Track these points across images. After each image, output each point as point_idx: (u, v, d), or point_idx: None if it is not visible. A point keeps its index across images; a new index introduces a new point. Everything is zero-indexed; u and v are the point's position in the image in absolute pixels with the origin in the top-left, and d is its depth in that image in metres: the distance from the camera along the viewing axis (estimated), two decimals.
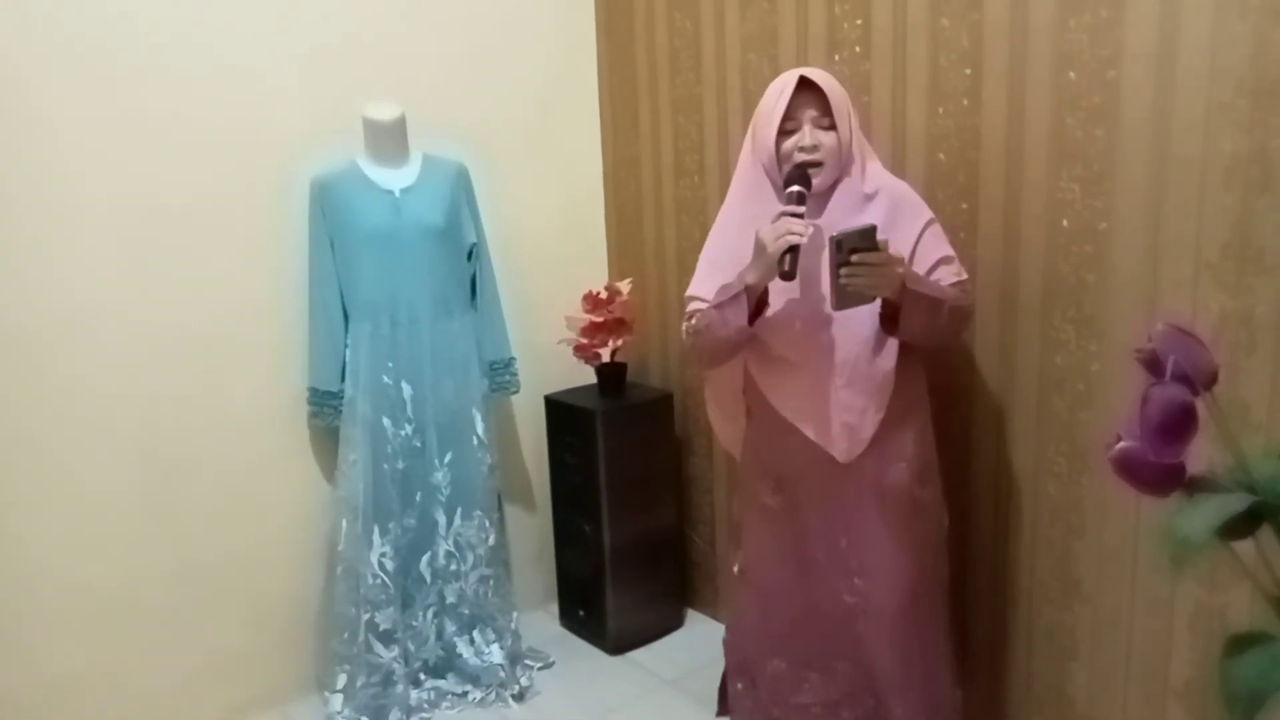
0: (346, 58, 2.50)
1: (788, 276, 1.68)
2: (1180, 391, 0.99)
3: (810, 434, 1.86)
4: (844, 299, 1.69)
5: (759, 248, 1.70)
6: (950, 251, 1.86)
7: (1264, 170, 1.60)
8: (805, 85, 1.79)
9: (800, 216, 1.68)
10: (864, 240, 1.63)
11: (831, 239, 1.63)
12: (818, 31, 2.31)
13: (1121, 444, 1.01)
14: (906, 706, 1.90)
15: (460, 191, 2.57)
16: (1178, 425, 0.98)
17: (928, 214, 1.87)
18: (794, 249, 1.66)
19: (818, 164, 1.79)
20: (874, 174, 1.87)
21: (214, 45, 2.29)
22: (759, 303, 1.79)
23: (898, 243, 1.79)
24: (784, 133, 1.81)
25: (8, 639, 2.17)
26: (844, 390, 1.81)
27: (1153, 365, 1.04)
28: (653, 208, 2.93)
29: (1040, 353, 1.98)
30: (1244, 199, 1.63)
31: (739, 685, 2.14)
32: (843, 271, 1.63)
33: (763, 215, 1.74)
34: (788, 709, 2.03)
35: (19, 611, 2.17)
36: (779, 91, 1.81)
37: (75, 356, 2.18)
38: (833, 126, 1.79)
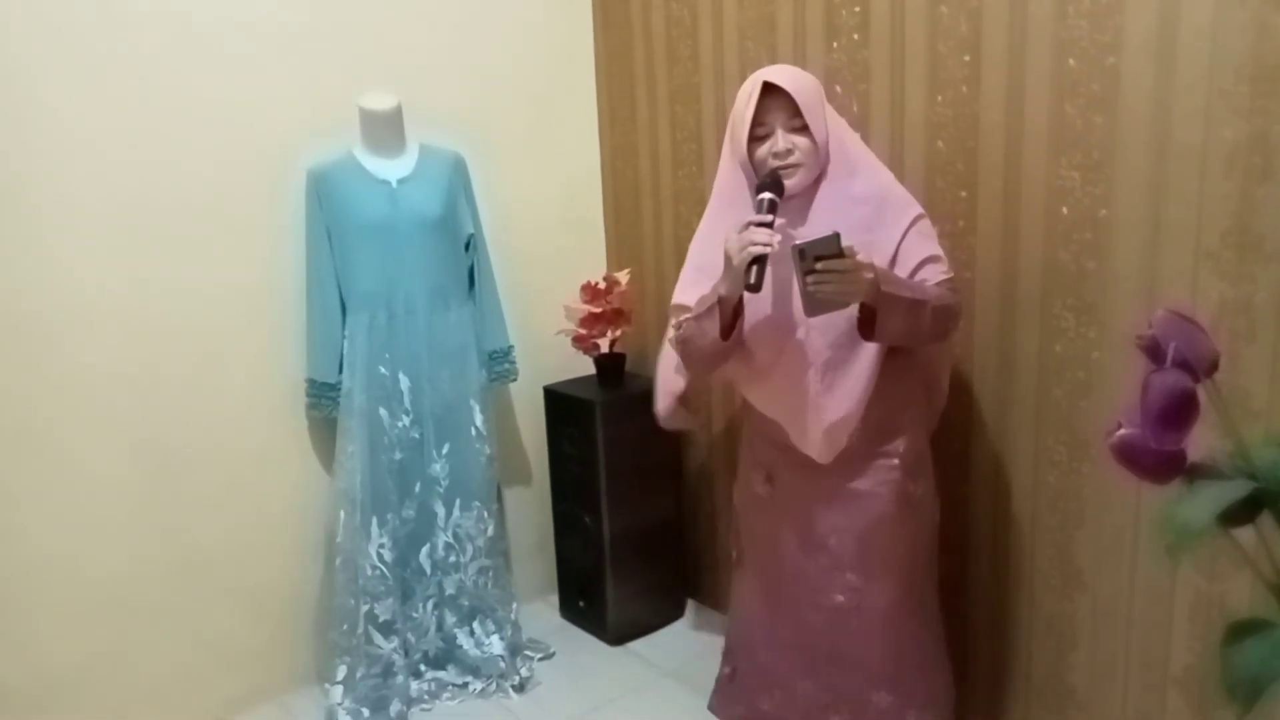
0: (342, 47, 2.49)
1: (754, 289, 1.63)
2: (1181, 378, 0.98)
3: (791, 437, 1.84)
4: (815, 306, 1.64)
5: (726, 259, 1.66)
6: (937, 250, 1.81)
7: (1265, 158, 1.59)
8: (774, 87, 1.75)
9: (769, 225, 1.63)
10: (828, 247, 1.58)
11: (794, 248, 1.59)
12: (815, 19, 2.30)
13: (1122, 431, 1.01)
14: (896, 694, 1.90)
15: (457, 182, 2.56)
16: (1178, 412, 0.98)
17: (914, 211, 1.81)
18: (759, 260, 1.61)
19: (794, 167, 1.76)
20: (860, 171, 1.82)
21: (210, 35, 2.28)
22: (735, 313, 1.75)
23: (882, 244, 1.75)
24: (756, 139, 1.78)
25: (6, 629, 2.17)
26: (822, 395, 1.77)
27: (1153, 352, 1.04)
28: (651, 198, 2.92)
29: (1040, 341, 1.98)
30: (1244, 186, 1.63)
31: (726, 670, 2.14)
32: (809, 279, 1.59)
33: (743, 220, 1.68)
34: (775, 703, 2.03)
35: (17, 602, 2.17)
36: (747, 97, 1.78)
37: (73, 346, 2.18)
38: (805, 127, 1.75)
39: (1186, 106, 1.68)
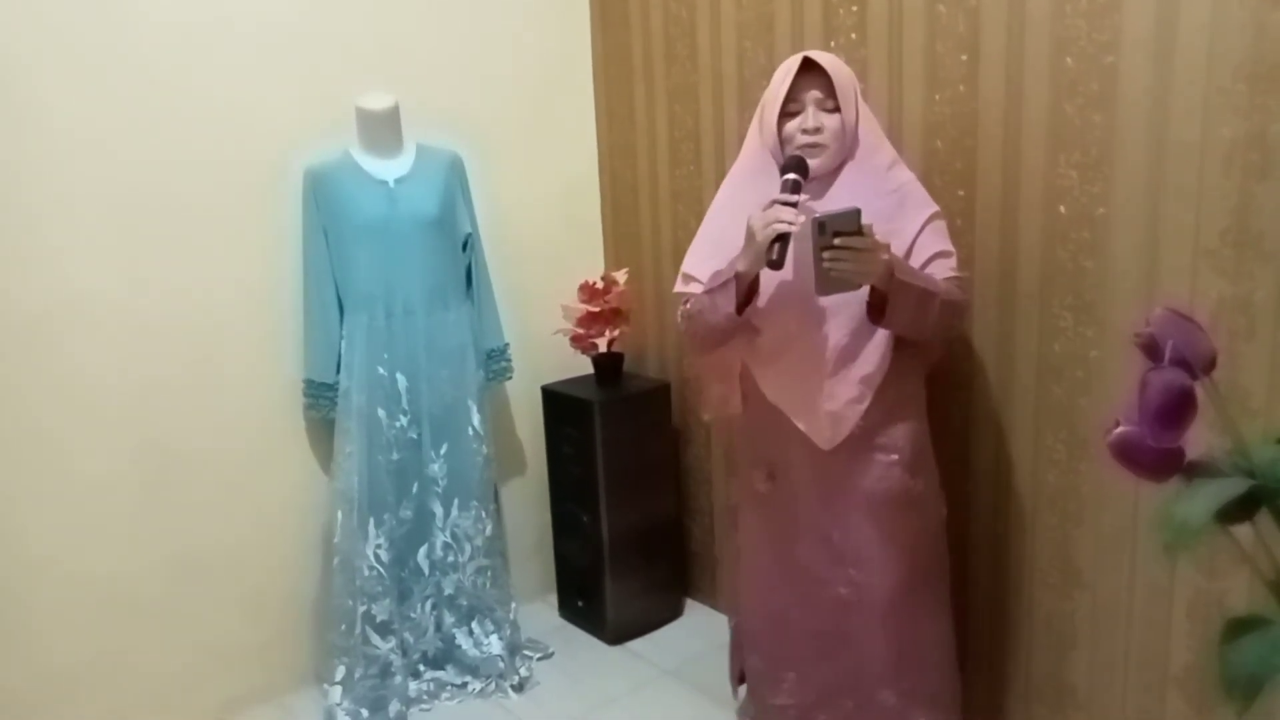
0: (339, 47, 2.48)
1: (775, 266, 1.65)
2: (1179, 376, 0.98)
3: (795, 420, 1.85)
4: (828, 284, 1.64)
5: (749, 235, 1.69)
6: (949, 247, 1.83)
7: (1263, 155, 1.59)
8: (811, 67, 1.78)
9: (794, 205, 1.65)
10: (847, 223, 1.58)
11: (814, 220, 1.59)
12: (814, 18, 2.30)
13: (1120, 429, 1.00)
14: (901, 694, 1.90)
15: (454, 182, 2.55)
16: (1176, 410, 0.97)
17: (932, 208, 1.84)
18: (783, 238, 1.63)
19: (819, 146, 1.78)
20: (884, 163, 1.85)
21: (207, 35, 2.28)
22: (750, 290, 1.77)
23: (900, 234, 1.77)
24: (787, 115, 1.80)
25: (4, 629, 2.16)
26: (831, 379, 1.79)
27: (1151, 350, 1.03)
28: (649, 197, 2.92)
29: (1038, 340, 1.98)
30: (1243, 184, 1.62)
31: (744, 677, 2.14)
32: (826, 255, 1.60)
33: (765, 198, 1.71)
34: (764, 708, 2.03)
35: (16, 602, 2.17)
36: (784, 73, 1.80)
37: (71, 347, 2.18)
38: (837, 109, 1.78)
39: (1185, 104, 1.67)
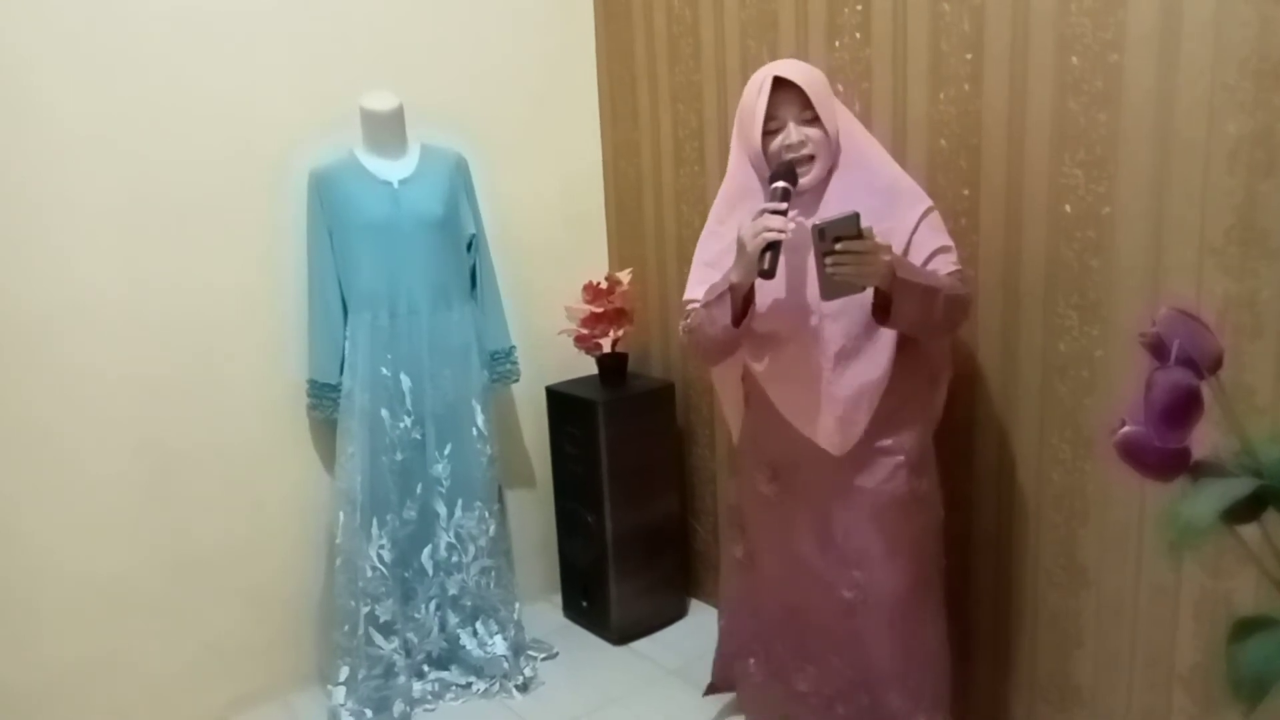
0: (344, 48, 2.49)
1: (767, 275, 1.64)
2: (1185, 375, 0.98)
3: (802, 428, 1.84)
4: (832, 289, 1.64)
5: (740, 246, 1.68)
6: (948, 241, 1.83)
7: (1268, 153, 1.59)
8: (784, 81, 1.77)
9: (783, 213, 1.65)
10: (847, 227, 1.58)
11: (814, 227, 1.60)
12: (817, 17, 2.30)
13: (1125, 429, 1.00)
14: (906, 696, 1.90)
15: (459, 182, 2.56)
16: (1182, 409, 0.97)
17: (926, 203, 1.83)
18: (773, 246, 1.63)
19: (807, 159, 1.77)
20: (871, 163, 1.84)
21: (211, 34, 2.28)
22: (746, 301, 1.76)
23: (896, 232, 1.76)
24: (768, 133, 1.79)
25: (9, 628, 2.17)
26: (835, 384, 1.78)
27: (1157, 349, 1.03)
28: (653, 196, 2.92)
29: (1043, 339, 1.97)
30: (1248, 182, 1.62)
31: (748, 663, 2.14)
32: (828, 260, 1.60)
33: (756, 210, 1.70)
34: (787, 695, 2.03)
35: (18, 601, 2.17)
36: (756, 92, 1.79)
37: (74, 346, 2.18)
38: (816, 119, 1.77)
39: (1190, 102, 1.67)
